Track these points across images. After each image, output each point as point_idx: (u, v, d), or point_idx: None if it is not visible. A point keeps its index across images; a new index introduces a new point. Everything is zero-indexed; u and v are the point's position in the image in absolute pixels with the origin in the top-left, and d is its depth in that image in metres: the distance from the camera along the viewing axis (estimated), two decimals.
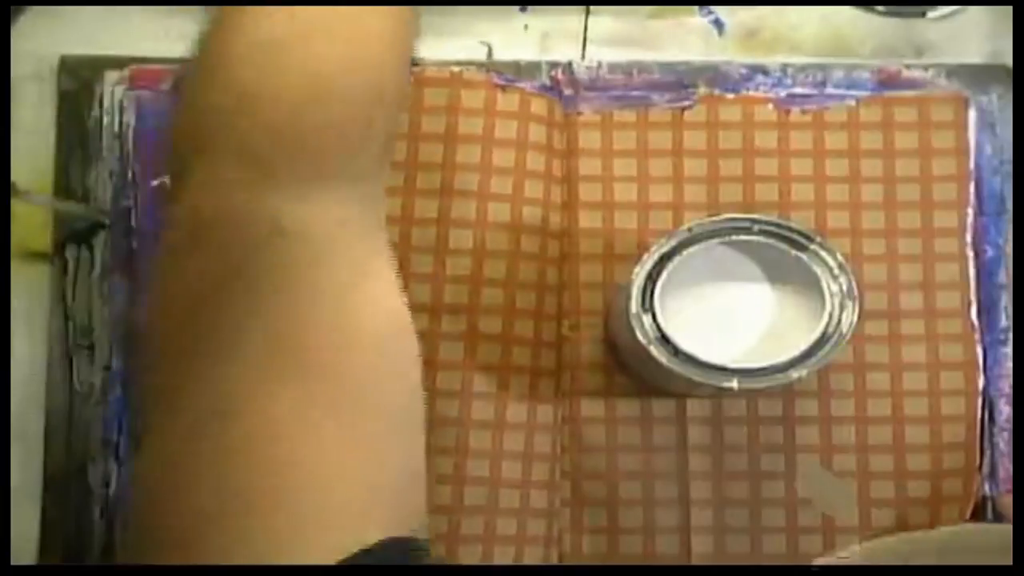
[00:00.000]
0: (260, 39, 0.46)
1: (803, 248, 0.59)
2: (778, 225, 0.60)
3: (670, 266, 0.59)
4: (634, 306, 0.59)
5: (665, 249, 0.59)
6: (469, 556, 0.67)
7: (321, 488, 0.42)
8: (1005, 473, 0.69)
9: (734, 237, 0.60)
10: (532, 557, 0.68)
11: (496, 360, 0.68)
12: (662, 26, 0.74)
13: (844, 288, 0.59)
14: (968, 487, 0.69)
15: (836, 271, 0.59)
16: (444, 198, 0.69)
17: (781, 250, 0.60)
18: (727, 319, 0.62)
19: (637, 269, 0.59)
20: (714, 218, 0.60)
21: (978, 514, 0.69)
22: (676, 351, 0.59)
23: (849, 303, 0.59)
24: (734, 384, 0.59)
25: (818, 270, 0.59)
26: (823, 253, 0.59)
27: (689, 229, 0.59)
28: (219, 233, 0.45)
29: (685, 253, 0.59)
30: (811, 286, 0.60)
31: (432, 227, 0.69)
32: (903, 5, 0.74)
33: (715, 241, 0.59)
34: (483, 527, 0.67)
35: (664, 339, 0.59)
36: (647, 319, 0.59)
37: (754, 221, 0.60)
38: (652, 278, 0.59)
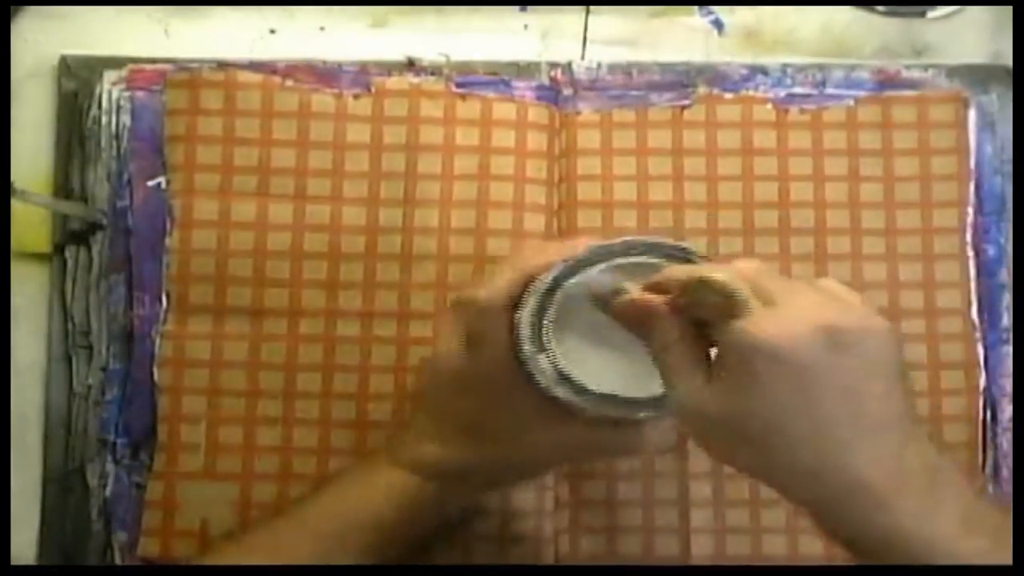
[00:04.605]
0: None
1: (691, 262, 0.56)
2: (659, 245, 0.56)
3: (556, 301, 0.56)
4: (528, 348, 0.56)
5: (546, 285, 0.56)
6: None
7: None
8: (1008, 473, 0.69)
9: (617, 261, 0.56)
10: (519, 557, 0.68)
11: None
12: (662, 26, 0.74)
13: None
14: (970, 487, 0.68)
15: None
16: (408, 206, 0.70)
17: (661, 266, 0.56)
18: (627, 347, 0.57)
19: (518, 314, 0.56)
20: (593, 244, 0.57)
21: None
22: (582, 390, 0.56)
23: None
24: (649, 415, 0.56)
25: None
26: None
27: (565, 260, 0.56)
28: None
29: (568, 285, 0.56)
30: None
31: (397, 235, 0.69)
32: (903, 5, 0.74)
33: (595, 269, 0.56)
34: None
35: (566, 378, 0.56)
36: (543, 359, 0.56)
37: (630, 243, 0.56)
38: (540, 315, 0.56)
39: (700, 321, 0.51)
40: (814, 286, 0.51)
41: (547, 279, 0.56)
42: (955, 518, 0.48)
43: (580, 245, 0.57)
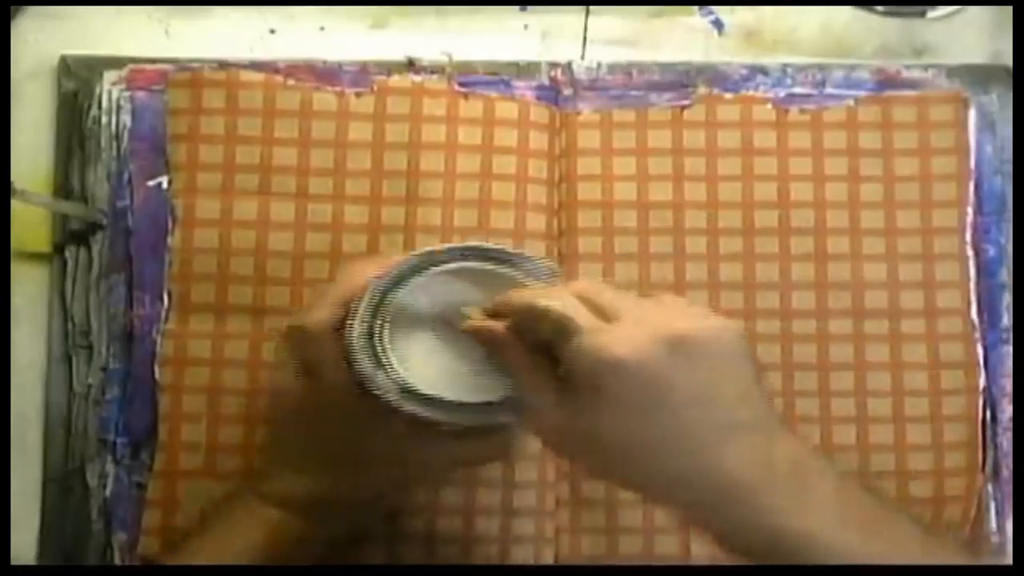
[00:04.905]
0: None
1: (513, 265, 0.56)
2: (480, 249, 0.56)
3: (384, 316, 0.55)
4: (365, 368, 0.55)
5: (370, 302, 0.55)
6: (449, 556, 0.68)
7: None
8: (1008, 473, 0.69)
9: (441, 268, 0.56)
10: (520, 557, 0.68)
11: None
12: (662, 26, 0.74)
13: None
14: (970, 486, 0.69)
15: (547, 275, 0.56)
16: (410, 205, 0.69)
17: (491, 271, 0.56)
18: (470, 351, 0.56)
19: (347, 336, 0.55)
20: (412, 255, 0.56)
21: (980, 514, 0.69)
22: (431, 400, 0.55)
23: None
24: (507, 417, 0.55)
25: (529, 280, 0.56)
26: (528, 265, 0.56)
27: (379, 277, 0.55)
28: None
29: (393, 299, 0.55)
30: None
31: (399, 233, 0.69)
32: (903, 5, 0.74)
33: (418, 280, 0.55)
34: (462, 526, 0.68)
35: (411, 392, 0.55)
36: (382, 377, 0.55)
37: (449, 250, 0.56)
38: (371, 333, 0.55)
39: (545, 341, 0.51)
40: (656, 300, 0.52)
41: (368, 297, 0.55)
42: (828, 511, 0.49)
43: (394, 259, 0.56)
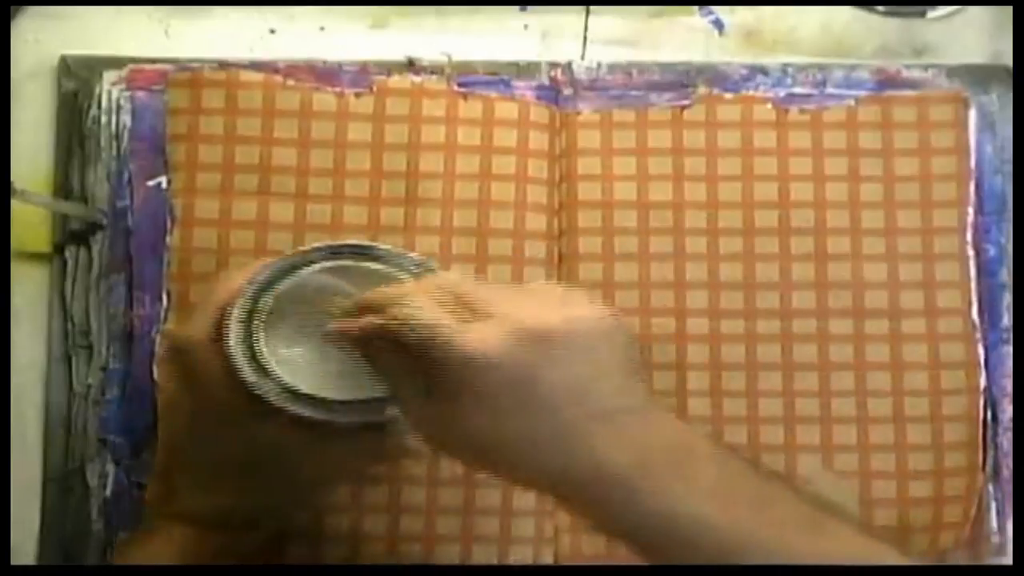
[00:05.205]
0: None
1: (385, 261, 0.56)
2: (351, 246, 0.56)
3: (260, 321, 0.55)
4: (248, 375, 0.54)
5: (242, 308, 0.55)
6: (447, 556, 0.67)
7: None
8: (1008, 473, 0.69)
9: (309, 268, 0.56)
10: (520, 557, 0.68)
11: None
12: (662, 26, 0.74)
13: None
14: (971, 486, 0.69)
15: (419, 270, 0.56)
16: (409, 206, 0.69)
17: (364, 268, 0.56)
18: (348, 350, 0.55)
19: (226, 344, 0.54)
20: (288, 253, 0.56)
21: (981, 514, 0.69)
22: (319, 401, 0.54)
23: None
24: (392, 413, 0.54)
25: (406, 275, 0.56)
26: (402, 260, 0.56)
27: (250, 282, 0.55)
28: None
29: (265, 302, 0.55)
30: None
31: (399, 234, 0.69)
32: (903, 5, 0.74)
33: (290, 280, 0.56)
34: (460, 527, 0.68)
35: (297, 394, 0.54)
36: (268, 383, 0.54)
37: (317, 249, 0.56)
38: (249, 339, 0.54)
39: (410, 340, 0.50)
40: (524, 290, 0.52)
41: (241, 302, 0.55)
42: (708, 493, 0.48)
43: (267, 261, 0.56)
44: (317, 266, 0.56)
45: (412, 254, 0.57)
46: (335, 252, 0.56)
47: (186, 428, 0.59)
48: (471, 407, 0.48)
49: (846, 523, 0.50)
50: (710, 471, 0.49)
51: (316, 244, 0.57)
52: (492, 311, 0.49)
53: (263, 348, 0.54)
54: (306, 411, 0.54)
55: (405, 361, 0.50)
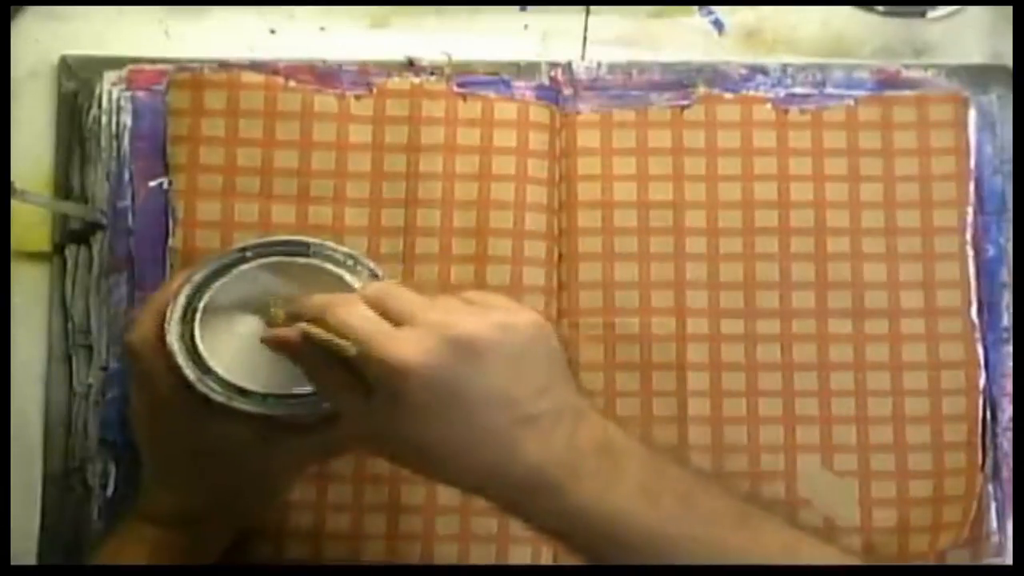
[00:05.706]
0: None
1: (320, 256, 0.58)
2: (285, 243, 0.58)
3: (198, 321, 0.56)
4: (191, 374, 0.55)
5: (178, 308, 0.57)
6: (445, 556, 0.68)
7: None
8: (1008, 473, 0.69)
9: (244, 266, 0.58)
10: (519, 556, 0.68)
11: None
12: (662, 26, 0.74)
13: (369, 272, 0.58)
14: (970, 486, 0.69)
15: (350, 263, 0.58)
16: (410, 207, 0.70)
17: (299, 263, 0.58)
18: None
19: (168, 345, 0.56)
20: (224, 252, 0.58)
21: (980, 513, 0.69)
22: (264, 397, 0.56)
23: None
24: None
25: (337, 269, 0.58)
26: (337, 255, 0.58)
27: (188, 281, 0.57)
28: None
29: (202, 302, 0.57)
30: (339, 284, 0.58)
31: (399, 235, 0.69)
32: (903, 5, 0.74)
33: (227, 277, 0.58)
34: (459, 526, 0.68)
35: (242, 392, 0.56)
36: (210, 381, 0.55)
37: (259, 245, 0.58)
38: (191, 339, 0.56)
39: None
40: (456, 298, 0.52)
41: (179, 300, 0.57)
42: (635, 490, 0.49)
43: (203, 260, 0.57)
44: (252, 264, 0.58)
45: (342, 248, 0.59)
46: (268, 249, 0.58)
47: (147, 428, 0.61)
48: (399, 414, 0.49)
49: (774, 517, 0.51)
50: (638, 469, 0.50)
51: (249, 241, 0.59)
52: (420, 319, 0.49)
53: (198, 344, 0.56)
54: (244, 405, 0.55)
55: (336, 368, 0.51)
